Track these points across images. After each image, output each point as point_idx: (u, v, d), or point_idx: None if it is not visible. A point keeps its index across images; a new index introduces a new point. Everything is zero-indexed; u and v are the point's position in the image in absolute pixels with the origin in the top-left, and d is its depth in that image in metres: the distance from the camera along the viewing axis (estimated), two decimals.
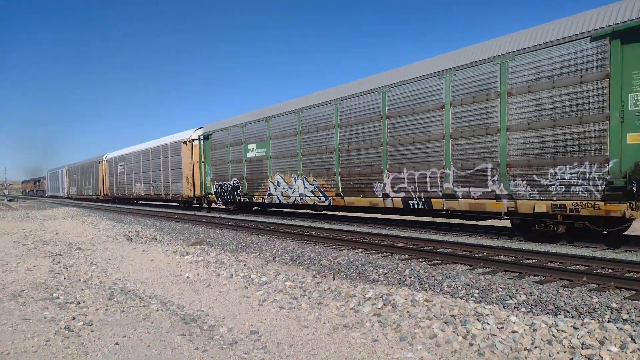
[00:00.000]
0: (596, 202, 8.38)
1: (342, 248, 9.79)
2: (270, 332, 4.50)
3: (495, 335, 4.04)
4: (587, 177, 8.50)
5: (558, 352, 3.64)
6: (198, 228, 15.01)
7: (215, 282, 6.80)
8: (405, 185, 11.98)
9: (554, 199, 8.92)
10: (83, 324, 4.62)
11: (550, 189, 8.99)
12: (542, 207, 9.12)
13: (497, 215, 10.28)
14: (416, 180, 11.67)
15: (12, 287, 6.32)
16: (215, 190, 21.66)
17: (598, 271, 6.67)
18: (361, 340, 4.19)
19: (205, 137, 22.12)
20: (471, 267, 7.39)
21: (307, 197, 15.73)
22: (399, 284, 6.71)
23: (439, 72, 11.03)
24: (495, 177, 9.91)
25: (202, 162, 22.44)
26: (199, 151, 22.69)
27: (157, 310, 5.21)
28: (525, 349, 3.75)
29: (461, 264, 7.67)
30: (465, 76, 10.43)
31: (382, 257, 8.59)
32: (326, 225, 14.27)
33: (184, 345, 4.08)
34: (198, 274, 7.31)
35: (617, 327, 3.97)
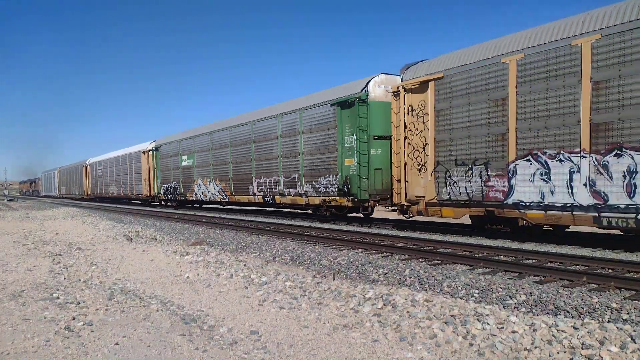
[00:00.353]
0: (336, 198, 14.68)
1: (342, 248, 9.79)
2: (270, 332, 4.50)
3: (495, 335, 4.04)
4: (332, 183, 14.81)
5: (558, 352, 3.64)
6: (198, 228, 15.01)
7: (215, 282, 6.80)
8: (263, 187, 18.42)
9: (322, 196, 15.32)
10: (83, 324, 4.62)
11: (320, 190, 15.36)
12: (317, 201, 15.60)
13: (304, 206, 16.62)
14: (268, 184, 18.13)
15: (12, 287, 6.31)
16: (163, 190, 27.97)
17: (598, 271, 6.67)
18: (361, 340, 4.19)
19: (157, 149, 28.54)
20: (471, 267, 7.39)
21: (216, 196, 22.10)
22: (399, 284, 6.71)
23: (275, 115, 17.72)
24: (299, 183, 16.28)
25: (155, 168, 28.63)
26: (152, 160, 28.93)
27: (157, 311, 5.21)
28: (525, 349, 3.75)
29: (461, 264, 7.67)
30: (287, 119, 16.98)
31: (382, 257, 8.59)
32: (326, 226, 14.28)
33: (184, 346, 4.08)
34: (198, 274, 7.31)
35: (617, 327, 3.97)
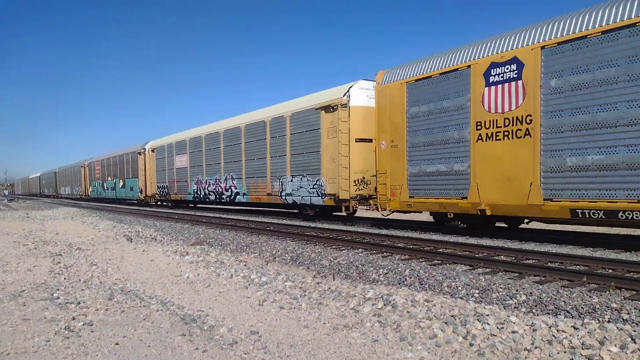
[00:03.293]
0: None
1: (342, 248, 9.79)
2: (270, 332, 4.50)
3: (495, 335, 4.04)
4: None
5: (558, 352, 3.64)
6: (198, 228, 15.01)
7: (216, 282, 6.80)
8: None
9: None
10: (83, 324, 4.62)
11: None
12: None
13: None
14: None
15: (12, 287, 6.31)
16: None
17: (598, 271, 6.67)
18: (361, 340, 4.19)
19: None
20: (471, 267, 7.39)
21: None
22: (399, 284, 6.71)
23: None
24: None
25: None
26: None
27: (157, 311, 5.21)
28: (526, 349, 3.75)
29: (461, 264, 7.67)
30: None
31: (382, 257, 8.59)
32: (326, 225, 14.28)
33: (184, 346, 4.08)
34: (198, 274, 7.31)
35: (617, 327, 3.97)
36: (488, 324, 4.24)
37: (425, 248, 9.16)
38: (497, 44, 9.97)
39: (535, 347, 3.75)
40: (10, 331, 4.42)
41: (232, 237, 12.26)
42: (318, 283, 6.41)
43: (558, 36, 8.87)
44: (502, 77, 9.72)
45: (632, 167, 7.88)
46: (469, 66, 10.37)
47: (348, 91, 14.32)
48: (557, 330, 3.98)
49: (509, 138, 9.61)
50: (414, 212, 12.50)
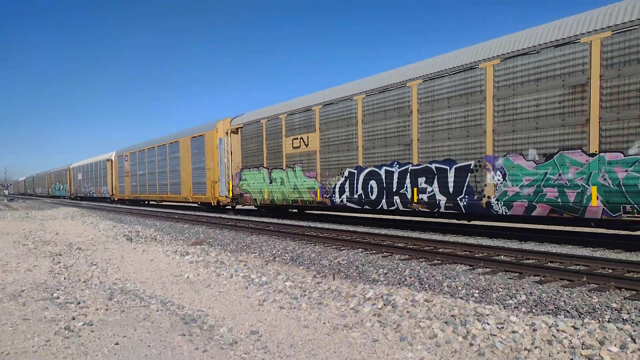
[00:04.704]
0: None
1: (342, 248, 9.79)
2: (270, 332, 4.49)
3: (495, 335, 4.04)
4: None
5: (558, 352, 3.64)
6: (198, 228, 15.01)
7: (215, 282, 6.80)
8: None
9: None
10: (83, 324, 4.62)
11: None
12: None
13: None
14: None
15: (12, 287, 6.31)
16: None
17: (598, 271, 6.67)
18: (361, 340, 4.19)
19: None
20: (471, 267, 7.39)
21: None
22: (399, 284, 6.71)
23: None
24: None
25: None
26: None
27: (157, 311, 5.21)
28: (526, 349, 3.75)
29: (461, 264, 7.67)
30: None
31: (382, 257, 8.59)
32: (326, 225, 14.28)
33: (184, 346, 4.08)
34: (198, 274, 7.31)
35: (617, 327, 3.97)
36: (488, 323, 4.24)
37: (425, 248, 9.16)
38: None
39: (535, 347, 3.75)
40: (10, 331, 4.42)
41: (232, 237, 12.26)
42: (318, 283, 6.40)
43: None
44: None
45: None
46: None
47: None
48: (557, 330, 3.98)
49: None
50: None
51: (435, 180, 11.09)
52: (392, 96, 12.26)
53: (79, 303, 5.43)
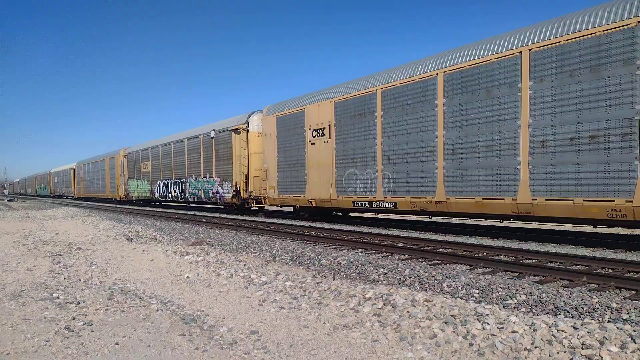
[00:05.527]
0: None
1: (342, 248, 9.79)
2: (270, 332, 4.49)
3: (495, 335, 4.04)
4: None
5: (558, 352, 3.64)
6: (198, 228, 15.01)
7: (215, 282, 6.80)
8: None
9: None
10: (83, 324, 4.62)
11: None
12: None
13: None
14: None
15: (12, 287, 6.31)
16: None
17: (598, 271, 6.67)
18: (361, 340, 4.19)
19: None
20: (471, 267, 7.39)
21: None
22: (399, 284, 6.71)
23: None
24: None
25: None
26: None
27: (157, 310, 5.21)
28: (526, 349, 3.75)
29: (461, 264, 7.67)
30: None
31: (382, 257, 8.59)
32: (326, 225, 14.28)
33: (184, 345, 4.08)
34: (198, 274, 7.31)
35: (617, 327, 3.96)
36: (488, 323, 4.24)
37: (425, 248, 9.16)
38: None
39: (535, 347, 3.75)
40: (10, 331, 4.42)
41: (232, 237, 12.26)
42: (318, 283, 6.40)
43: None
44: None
45: None
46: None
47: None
48: (557, 330, 3.98)
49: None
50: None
51: None
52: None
53: (79, 303, 5.43)
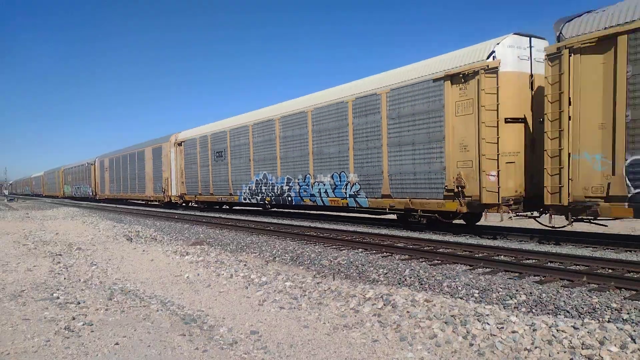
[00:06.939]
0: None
1: (342, 248, 9.79)
2: (270, 332, 4.50)
3: (495, 335, 4.04)
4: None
5: (558, 352, 3.64)
6: (198, 228, 15.01)
7: (215, 282, 6.80)
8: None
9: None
10: (83, 324, 4.62)
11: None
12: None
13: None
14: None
15: (12, 287, 6.31)
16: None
17: (598, 271, 6.67)
18: (361, 340, 4.19)
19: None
20: (471, 267, 7.39)
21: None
22: (399, 284, 6.71)
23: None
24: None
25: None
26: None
27: (157, 311, 5.21)
28: (526, 349, 3.75)
29: (461, 264, 7.67)
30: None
31: (382, 257, 8.59)
32: (326, 225, 14.27)
33: (184, 346, 4.08)
34: (198, 274, 7.31)
35: (617, 327, 3.97)
36: (488, 323, 4.24)
37: (425, 248, 9.16)
38: None
39: (535, 347, 3.75)
40: (10, 331, 4.42)
41: (232, 237, 12.26)
42: (318, 283, 6.40)
43: None
44: None
45: None
46: None
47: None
48: (557, 330, 3.98)
49: None
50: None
51: None
52: None
53: (79, 303, 5.43)
